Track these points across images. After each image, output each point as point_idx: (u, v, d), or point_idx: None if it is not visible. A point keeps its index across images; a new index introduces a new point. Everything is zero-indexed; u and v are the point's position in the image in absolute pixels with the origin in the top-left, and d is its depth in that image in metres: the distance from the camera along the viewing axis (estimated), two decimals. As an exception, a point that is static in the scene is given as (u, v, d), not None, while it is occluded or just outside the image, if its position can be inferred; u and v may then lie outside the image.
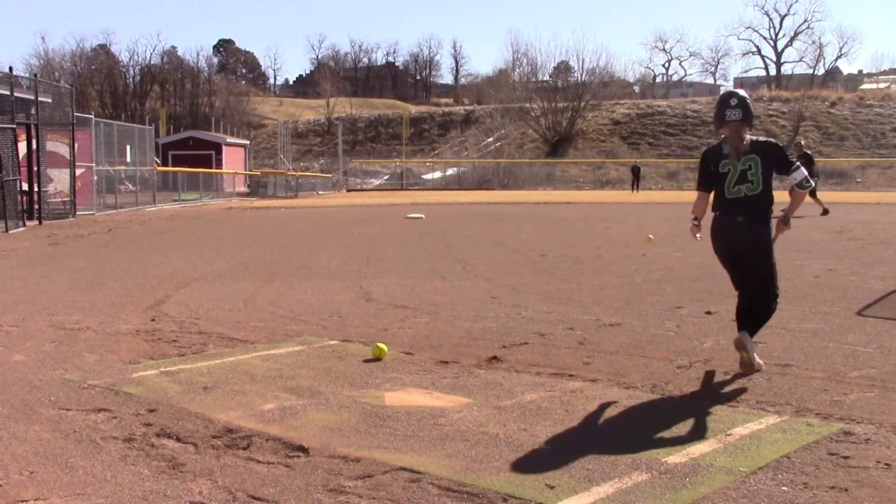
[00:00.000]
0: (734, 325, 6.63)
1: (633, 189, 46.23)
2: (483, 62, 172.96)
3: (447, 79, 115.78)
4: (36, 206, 19.31)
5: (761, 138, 5.13)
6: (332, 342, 6.16)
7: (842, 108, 61.79)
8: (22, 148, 19.26)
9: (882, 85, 76.03)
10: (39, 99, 19.58)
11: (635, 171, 47.41)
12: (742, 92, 5.25)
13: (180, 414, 4.28)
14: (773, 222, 5.16)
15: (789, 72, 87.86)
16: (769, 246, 5.12)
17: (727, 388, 4.77)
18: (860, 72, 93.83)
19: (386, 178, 58.03)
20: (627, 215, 22.73)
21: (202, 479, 3.38)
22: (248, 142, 58.40)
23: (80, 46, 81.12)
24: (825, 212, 20.45)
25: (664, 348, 5.87)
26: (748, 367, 5.01)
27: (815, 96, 64.10)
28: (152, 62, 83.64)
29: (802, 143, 22.16)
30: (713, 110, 5.26)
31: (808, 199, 20.20)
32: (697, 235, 5.46)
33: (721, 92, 5.67)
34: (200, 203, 32.45)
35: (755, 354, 5.07)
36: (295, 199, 37.53)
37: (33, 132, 19.38)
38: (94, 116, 26.47)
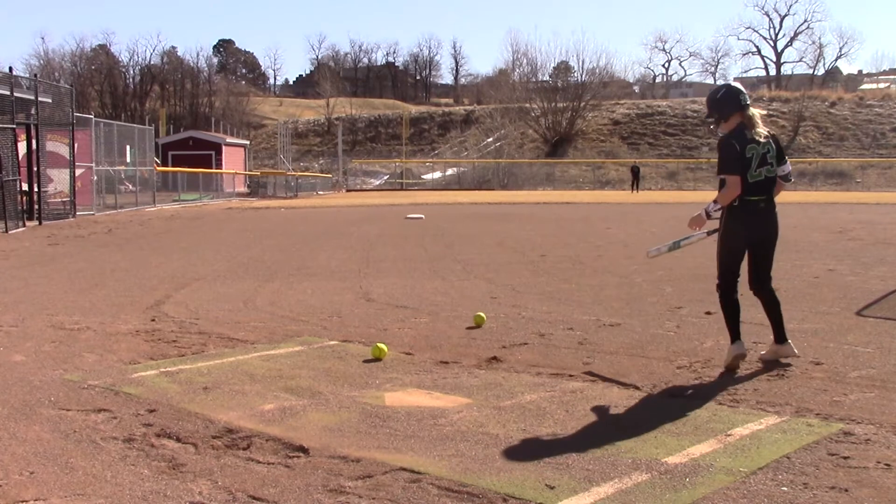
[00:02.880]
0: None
1: (632, 189, 46.24)
2: (483, 62, 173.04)
3: (447, 79, 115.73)
4: (36, 207, 19.31)
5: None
6: (332, 342, 6.16)
7: (842, 108, 61.81)
8: (21, 148, 19.26)
9: (882, 85, 76.03)
10: (39, 99, 19.58)
11: (635, 172, 47.44)
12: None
13: (180, 414, 4.28)
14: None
15: (789, 72, 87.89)
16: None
17: (727, 388, 4.77)
18: (860, 72, 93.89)
19: (386, 178, 58.03)
20: (627, 215, 22.73)
21: (202, 479, 3.38)
22: (247, 142, 58.39)
23: (80, 46, 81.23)
24: None
25: (664, 348, 5.87)
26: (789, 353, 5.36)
27: (814, 96, 64.12)
28: (152, 62, 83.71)
29: (715, 128, 22.41)
30: (720, 103, 5.29)
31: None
32: (697, 229, 5.42)
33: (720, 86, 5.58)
34: (200, 203, 32.44)
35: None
36: (295, 200, 37.52)
37: (33, 132, 19.38)
38: (94, 116, 26.47)
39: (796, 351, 5.30)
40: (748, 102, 5.18)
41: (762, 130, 5.12)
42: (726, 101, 5.21)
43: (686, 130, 62.76)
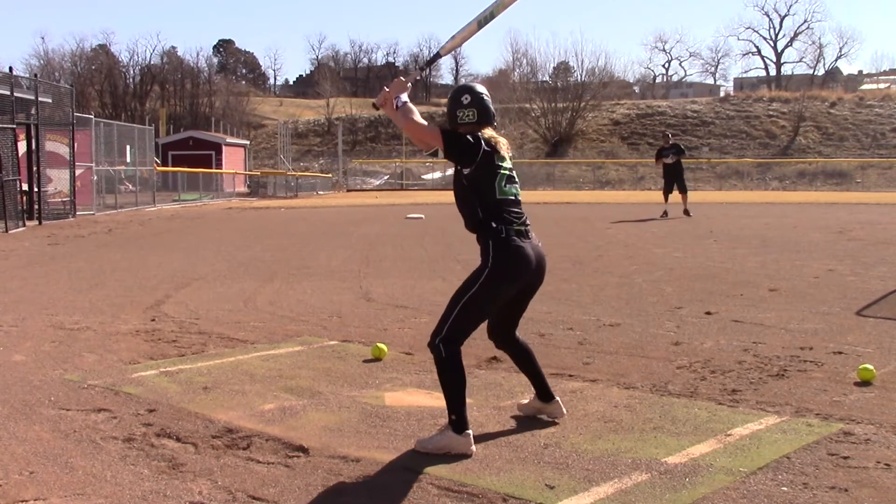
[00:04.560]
0: (734, 325, 6.68)
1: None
2: (483, 62, 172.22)
3: (447, 79, 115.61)
4: (36, 207, 19.31)
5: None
6: (332, 342, 6.16)
7: (842, 108, 61.76)
8: (21, 148, 19.25)
9: (882, 85, 75.93)
10: (39, 99, 19.57)
11: None
12: (479, 87, 3.99)
13: (180, 414, 4.29)
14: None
15: (789, 72, 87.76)
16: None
17: (727, 388, 4.77)
18: (860, 72, 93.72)
19: (386, 178, 58.01)
20: (627, 215, 22.74)
21: (202, 479, 3.38)
22: (248, 142, 58.36)
23: (80, 46, 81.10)
24: (681, 213, 19.95)
25: (664, 348, 5.87)
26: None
27: (815, 96, 64.05)
28: (152, 62, 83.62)
29: (670, 135, 22.74)
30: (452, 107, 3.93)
31: (678, 196, 20.34)
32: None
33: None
34: (200, 203, 32.43)
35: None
36: (295, 200, 37.52)
37: (33, 132, 19.37)
38: (94, 116, 26.46)
39: (564, 410, 4.17)
40: (466, 121, 3.90)
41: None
42: (448, 112, 3.97)
43: (686, 130, 62.70)
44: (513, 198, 3.89)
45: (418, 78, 3.93)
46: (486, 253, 3.83)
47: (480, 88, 3.95)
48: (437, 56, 4.01)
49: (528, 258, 3.83)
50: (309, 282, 9.46)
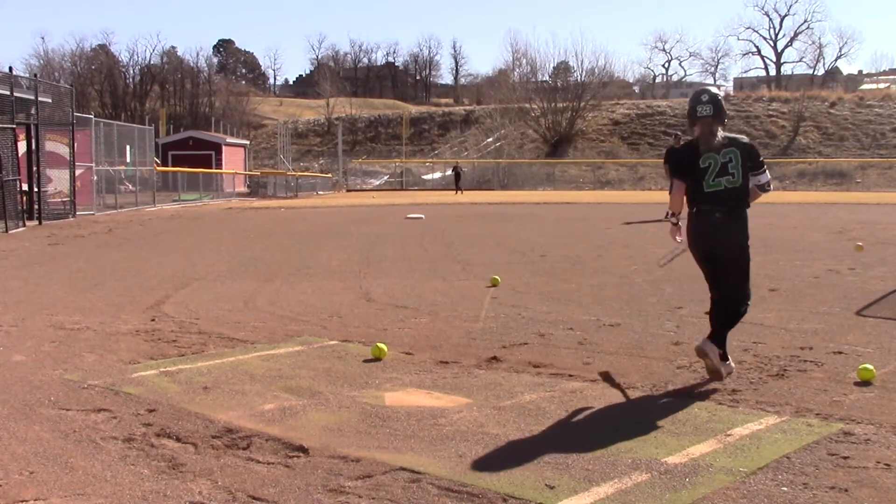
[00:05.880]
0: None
1: (456, 191, 44.71)
2: (483, 62, 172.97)
3: (447, 79, 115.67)
4: (36, 207, 19.31)
5: (736, 135, 5.08)
6: (332, 342, 6.16)
7: (842, 108, 61.78)
8: (21, 148, 19.24)
9: (882, 85, 75.99)
10: (39, 99, 19.57)
11: (457, 173, 46.46)
12: (713, 89, 5.20)
13: (180, 414, 4.29)
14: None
15: (789, 72, 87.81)
16: (748, 244, 5.04)
17: (727, 388, 4.77)
18: (860, 72, 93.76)
19: (386, 178, 58.03)
20: (628, 215, 22.75)
21: (202, 479, 3.38)
22: (247, 142, 58.37)
23: (80, 46, 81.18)
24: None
25: (664, 348, 5.87)
26: (715, 375, 4.93)
27: (814, 96, 64.05)
28: (152, 62, 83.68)
29: (681, 136, 22.53)
30: (688, 112, 5.12)
31: None
32: (678, 238, 5.23)
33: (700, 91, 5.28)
34: (200, 203, 32.45)
35: (720, 360, 4.95)
36: (295, 200, 37.54)
37: (33, 132, 19.37)
38: (94, 116, 26.46)
39: (724, 373, 4.94)
40: (705, 114, 4.95)
41: (719, 139, 4.93)
42: (688, 111, 5.07)
43: (686, 131, 62.69)
44: (722, 189, 4.90)
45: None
46: None
47: (714, 90, 5.08)
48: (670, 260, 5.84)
49: (695, 233, 5.05)
50: (309, 282, 9.46)
